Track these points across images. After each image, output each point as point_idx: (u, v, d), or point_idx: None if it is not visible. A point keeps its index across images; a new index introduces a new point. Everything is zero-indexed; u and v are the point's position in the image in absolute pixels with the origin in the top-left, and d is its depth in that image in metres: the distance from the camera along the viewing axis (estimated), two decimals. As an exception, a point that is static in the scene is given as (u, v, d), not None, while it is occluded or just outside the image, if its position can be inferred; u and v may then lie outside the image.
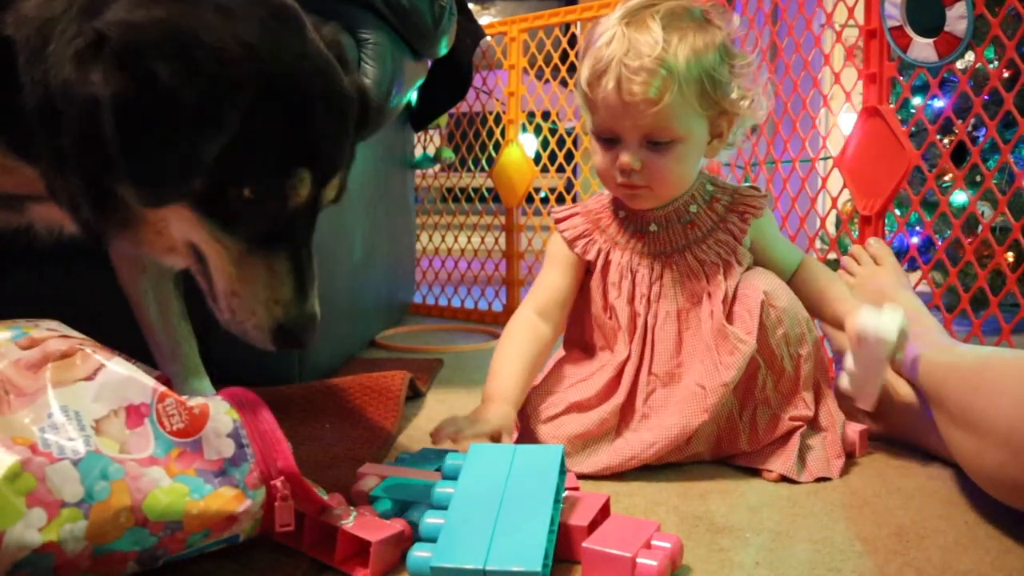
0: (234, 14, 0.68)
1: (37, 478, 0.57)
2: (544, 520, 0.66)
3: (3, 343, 0.65)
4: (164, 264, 0.95)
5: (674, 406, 0.93)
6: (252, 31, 0.68)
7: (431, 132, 2.17)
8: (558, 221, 1.05)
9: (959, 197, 1.67)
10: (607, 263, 1.00)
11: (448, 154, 2.12)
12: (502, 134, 2.00)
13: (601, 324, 1.01)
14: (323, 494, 0.70)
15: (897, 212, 1.40)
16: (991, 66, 1.42)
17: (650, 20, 0.90)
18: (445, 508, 0.70)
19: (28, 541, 0.56)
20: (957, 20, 1.18)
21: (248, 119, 0.67)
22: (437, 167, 2.19)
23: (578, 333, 1.06)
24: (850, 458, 0.97)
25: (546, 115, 2.01)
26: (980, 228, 1.33)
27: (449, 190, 2.21)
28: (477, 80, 2.00)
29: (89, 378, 0.64)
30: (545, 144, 1.96)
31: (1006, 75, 1.62)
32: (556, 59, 1.90)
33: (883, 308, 0.94)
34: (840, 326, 0.97)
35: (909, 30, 1.23)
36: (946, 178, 1.76)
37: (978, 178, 1.71)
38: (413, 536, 0.71)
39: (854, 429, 0.99)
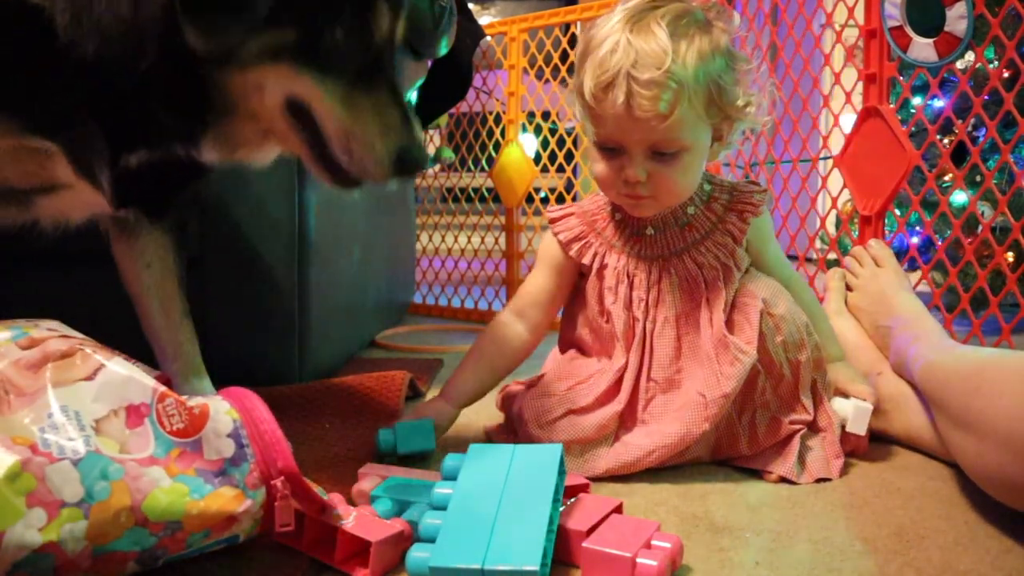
0: None
1: (37, 478, 0.57)
2: (542, 519, 0.66)
3: (3, 343, 0.65)
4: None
5: (674, 413, 0.92)
6: None
7: (431, 132, 2.17)
8: (552, 221, 1.04)
9: (959, 197, 1.67)
10: (603, 267, 0.99)
11: (448, 154, 2.12)
12: (502, 134, 2.00)
13: (597, 328, 1.00)
14: (323, 494, 0.70)
15: (897, 212, 1.40)
16: (991, 66, 1.42)
17: (655, 26, 0.88)
18: (444, 508, 0.70)
19: (28, 541, 0.56)
20: (957, 20, 1.18)
21: None
22: (437, 167, 2.19)
23: (574, 335, 1.05)
24: (850, 458, 0.97)
25: (546, 115, 2.01)
26: (980, 228, 1.33)
27: (449, 190, 2.21)
28: (477, 80, 2.00)
29: (89, 378, 0.64)
30: (545, 144, 1.96)
31: (1006, 75, 1.62)
32: (556, 59, 1.90)
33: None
34: None
35: (909, 30, 1.23)
36: (946, 178, 1.76)
37: (978, 178, 1.71)
38: (413, 536, 0.71)
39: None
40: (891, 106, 1.28)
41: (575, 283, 1.03)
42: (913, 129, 1.32)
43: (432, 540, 0.66)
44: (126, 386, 0.65)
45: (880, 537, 0.76)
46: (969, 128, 1.45)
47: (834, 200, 1.42)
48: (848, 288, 1.20)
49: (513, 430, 1.02)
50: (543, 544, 0.64)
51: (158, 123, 0.75)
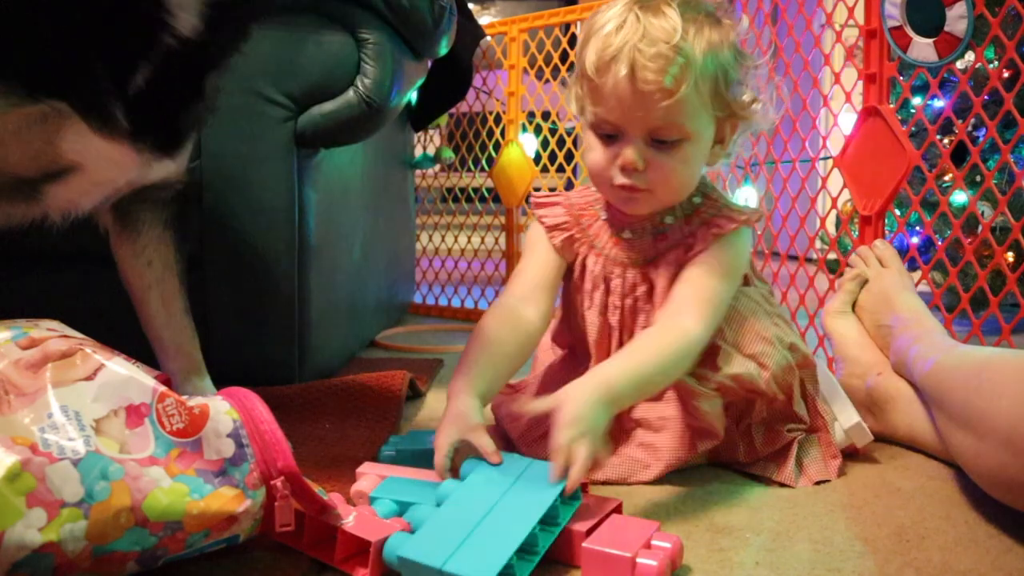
0: None
1: (37, 478, 0.57)
2: (518, 538, 0.65)
3: (3, 343, 0.65)
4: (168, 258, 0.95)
5: (667, 425, 0.92)
6: None
7: (431, 132, 2.17)
8: (538, 206, 0.99)
9: (959, 197, 1.67)
10: (583, 269, 0.96)
11: (448, 154, 2.12)
12: (502, 134, 2.00)
13: (578, 331, 0.98)
14: (323, 494, 0.70)
15: (897, 212, 1.40)
16: (991, 66, 1.42)
17: (664, 6, 0.84)
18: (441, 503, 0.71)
19: (28, 541, 0.56)
20: (957, 20, 1.18)
21: None
22: (437, 167, 2.19)
23: (566, 332, 1.02)
24: (850, 458, 0.97)
25: (546, 115, 2.01)
26: (980, 228, 1.33)
27: (449, 190, 2.21)
28: (477, 80, 2.00)
29: (89, 378, 0.64)
30: (545, 144, 1.96)
31: (1006, 75, 1.62)
32: (556, 59, 1.90)
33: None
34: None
35: (909, 30, 1.23)
36: (946, 178, 1.76)
37: (978, 178, 1.71)
38: None
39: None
40: (891, 106, 1.28)
41: (566, 269, 0.98)
42: (913, 129, 1.32)
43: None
44: (126, 386, 0.65)
45: (880, 537, 0.76)
46: (969, 128, 1.45)
47: (834, 200, 1.42)
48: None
49: (504, 435, 1.01)
50: (506, 561, 0.63)
51: (138, 19, 0.75)
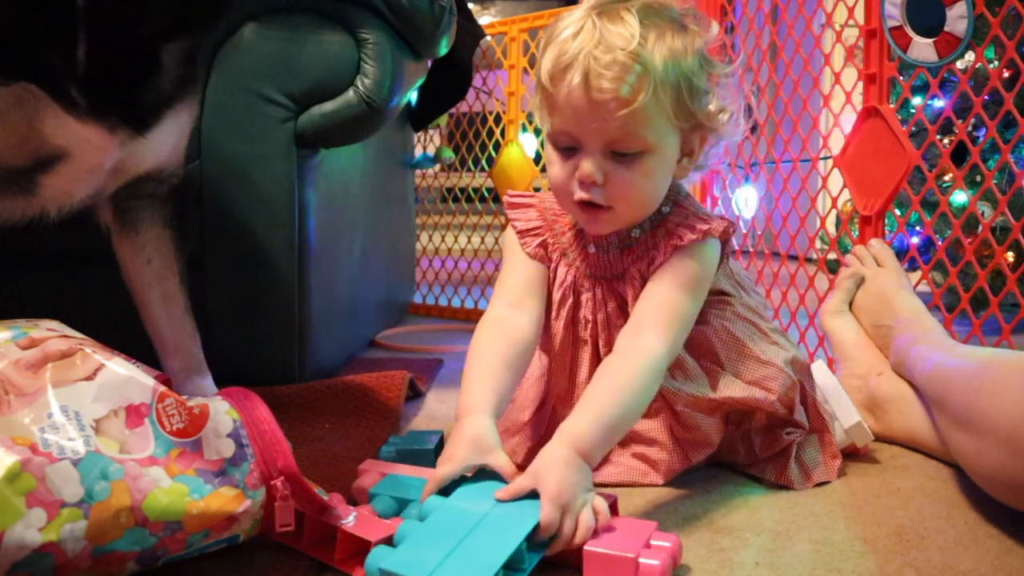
0: None
1: (37, 478, 0.57)
2: (500, 558, 0.63)
3: (3, 343, 0.65)
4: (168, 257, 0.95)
5: (660, 446, 0.91)
6: None
7: (431, 132, 2.17)
8: (511, 207, 0.95)
9: (959, 197, 1.67)
10: (554, 278, 0.92)
11: (448, 154, 2.12)
12: (502, 134, 2.00)
13: (548, 342, 0.95)
14: (323, 494, 0.70)
15: (897, 212, 1.40)
16: (991, 66, 1.42)
17: (624, 12, 0.79)
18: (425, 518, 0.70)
19: (28, 541, 0.56)
20: (957, 20, 1.18)
21: None
22: (437, 167, 2.19)
23: (546, 340, 0.96)
24: (850, 458, 0.97)
25: (546, 115, 2.01)
26: (980, 228, 1.33)
27: (449, 190, 2.21)
28: (477, 80, 2.00)
29: (89, 378, 0.64)
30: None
31: (1006, 75, 1.62)
32: (556, 59, 1.90)
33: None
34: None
35: (909, 30, 1.23)
36: (946, 178, 1.76)
37: (978, 178, 1.70)
38: None
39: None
40: (891, 106, 1.28)
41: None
42: (913, 129, 1.32)
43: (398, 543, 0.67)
44: (126, 386, 0.65)
45: (880, 537, 0.76)
46: (969, 128, 1.45)
47: (834, 200, 1.42)
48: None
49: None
50: None
51: None
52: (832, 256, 1.50)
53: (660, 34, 0.80)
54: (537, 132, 2.00)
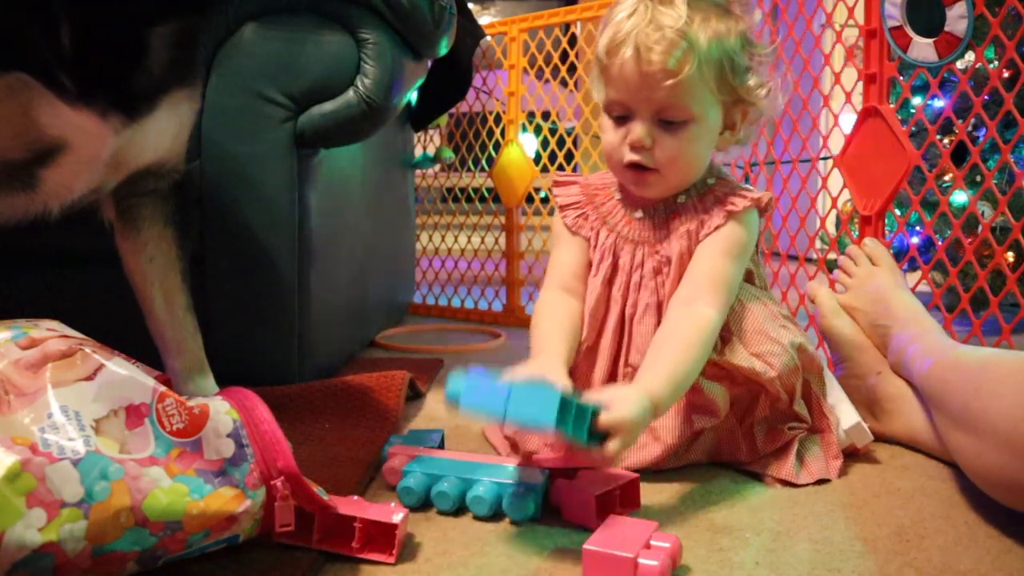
0: None
1: (37, 478, 0.57)
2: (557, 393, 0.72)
3: (3, 343, 0.65)
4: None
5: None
6: None
7: (431, 132, 2.17)
8: (556, 185, 1.04)
9: (959, 197, 1.67)
10: (596, 242, 0.99)
11: (448, 154, 2.12)
12: (502, 134, 2.00)
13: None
14: (323, 494, 0.70)
15: (897, 212, 1.40)
16: (991, 66, 1.42)
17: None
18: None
19: (28, 541, 0.56)
20: (957, 20, 1.18)
21: None
22: (437, 167, 2.19)
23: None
24: (850, 458, 0.97)
25: (546, 115, 2.01)
26: (980, 228, 1.33)
27: (449, 190, 2.21)
28: (477, 80, 2.00)
29: (89, 378, 0.64)
30: (545, 144, 1.96)
31: (1006, 75, 1.62)
32: (556, 59, 1.90)
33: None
34: None
35: (909, 30, 1.23)
36: (946, 178, 1.76)
37: (978, 178, 1.71)
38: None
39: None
40: (891, 106, 1.28)
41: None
42: (913, 129, 1.32)
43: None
44: (126, 386, 0.65)
45: (880, 537, 0.76)
46: (969, 128, 1.45)
47: (834, 200, 1.42)
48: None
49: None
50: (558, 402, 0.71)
51: None
52: (832, 256, 1.50)
53: (705, 17, 0.89)
54: (537, 132, 2.00)
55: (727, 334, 0.94)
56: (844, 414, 0.97)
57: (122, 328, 0.94)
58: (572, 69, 1.93)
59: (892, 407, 1.03)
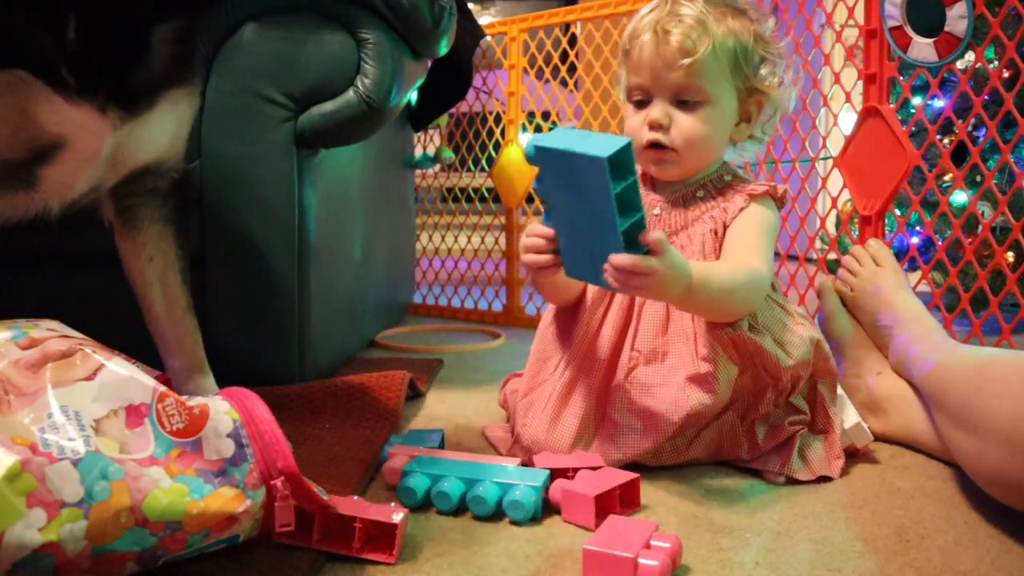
0: None
1: (37, 478, 0.57)
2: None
3: (3, 343, 0.65)
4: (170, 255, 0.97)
5: (660, 390, 0.92)
6: None
7: (431, 132, 2.17)
8: None
9: (959, 197, 1.67)
10: None
11: (448, 154, 2.12)
12: (502, 134, 2.00)
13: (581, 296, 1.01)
14: (323, 494, 0.70)
15: (897, 212, 1.40)
16: (991, 66, 1.42)
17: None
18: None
19: (28, 541, 0.56)
20: (957, 20, 1.18)
21: None
22: (437, 167, 2.19)
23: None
24: (850, 458, 0.97)
25: (546, 115, 2.01)
26: (980, 228, 1.33)
27: (449, 190, 2.21)
28: (477, 80, 2.00)
29: (89, 378, 0.64)
30: (545, 144, 1.95)
31: (1006, 75, 1.62)
32: (556, 59, 1.90)
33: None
34: None
35: (909, 30, 1.23)
36: (946, 178, 1.76)
37: (978, 178, 1.71)
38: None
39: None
40: (891, 106, 1.28)
41: None
42: (913, 129, 1.32)
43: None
44: (126, 386, 0.65)
45: (880, 537, 0.76)
46: (969, 128, 1.45)
47: (834, 200, 1.42)
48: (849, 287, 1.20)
49: (511, 428, 1.02)
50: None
51: None
52: (832, 256, 1.50)
53: (721, 14, 0.95)
54: (537, 132, 2.00)
55: (755, 323, 0.94)
56: (844, 414, 0.97)
57: (122, 328, 0.94)
58: (572, 69, 1.93)
59: (892, 407, 1.03)
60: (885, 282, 1.13)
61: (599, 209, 0.78)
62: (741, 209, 0.96)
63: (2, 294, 1.20)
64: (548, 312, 1.06)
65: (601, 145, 0.76)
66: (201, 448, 0.65)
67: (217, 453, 0.65)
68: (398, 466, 0.87)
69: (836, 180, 1.38)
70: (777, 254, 1.50)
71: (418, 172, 2.18)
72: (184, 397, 0.67)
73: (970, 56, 1.49)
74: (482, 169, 2.09)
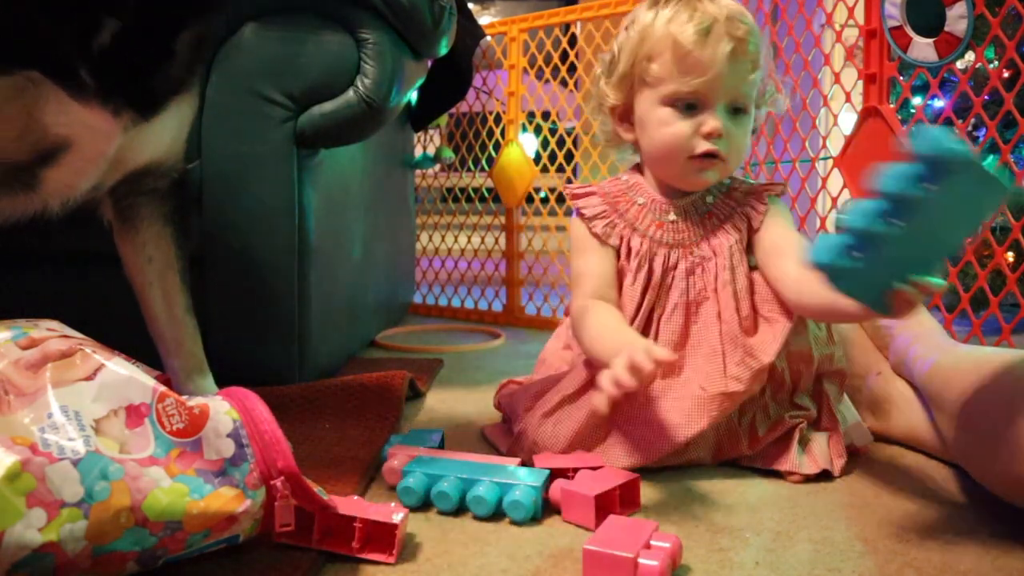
0: None
1: (37, 478, 0.57)
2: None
3: (3, 343, 0.65)
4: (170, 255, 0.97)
5: (673, 402, 0.92)
6: None
7: (431, 132, 2.17)
8: (575, 198, 1.02)
9: (959, 197, 1.67)
10: (628, 250, 0.98)
11: (448, 154, 2.12)
12: (502, 134, 2.00)
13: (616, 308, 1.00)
14: (323, 494, 0.70)
15: (897, 212, 1.40)
16: (991, 66, 1.42)
17: None
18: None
19: (28, 541, 0.56)
20: (957, 20, 1.18)
21: None
22: (437, 167, 2.19)
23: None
24: (851, 458, 0.97)
25: (546, 115, 2.01)
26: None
27: (449, 190, 2.21)
28: (477, 80, 2.00)
29: (89, 378, 0.64)
30: (545, 144, 1.96)
31: (1006, 75, 1.62)
32: (556, 59, 1.90)
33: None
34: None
35: (909, 30, 1.23)
36: (946, 178, 1.76)
37: (978, 178, 1.70)
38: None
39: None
40: (891, 106, 1.28)
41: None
42: (913, 129, 1.32)
43: None
44: (126, 386, 0.65)
45: (880, 537, 0.76)
46: (969, 128, 1.45)
47: (834, 200, 1.42)
48: None
49: (510, 430, 1.02)
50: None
51: None
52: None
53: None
54: (537, 132, 2.00)
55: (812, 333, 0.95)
56: (844, 413, 0.98)
57: (122, 328, 0.94)
58: (572, 69, 1.93)
59: (892, 407, 1.03)
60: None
61: (951, 229, 0.70)
62: (763, 212, 0.96)
63: (2, 294, 1.20)
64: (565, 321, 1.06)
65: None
66: (201, 448, 0.65)
67: (217, 453, 0.65)
68: (398, 466, 0.87)
69: (836, 180, 1.38)
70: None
71: (418, 172, 2.18)
72: (184, 397, 0.67)
73: (970, 56, 1.49)
74: (482, 169, 2.09)
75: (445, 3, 1.31)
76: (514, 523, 0.80)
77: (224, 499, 0.64)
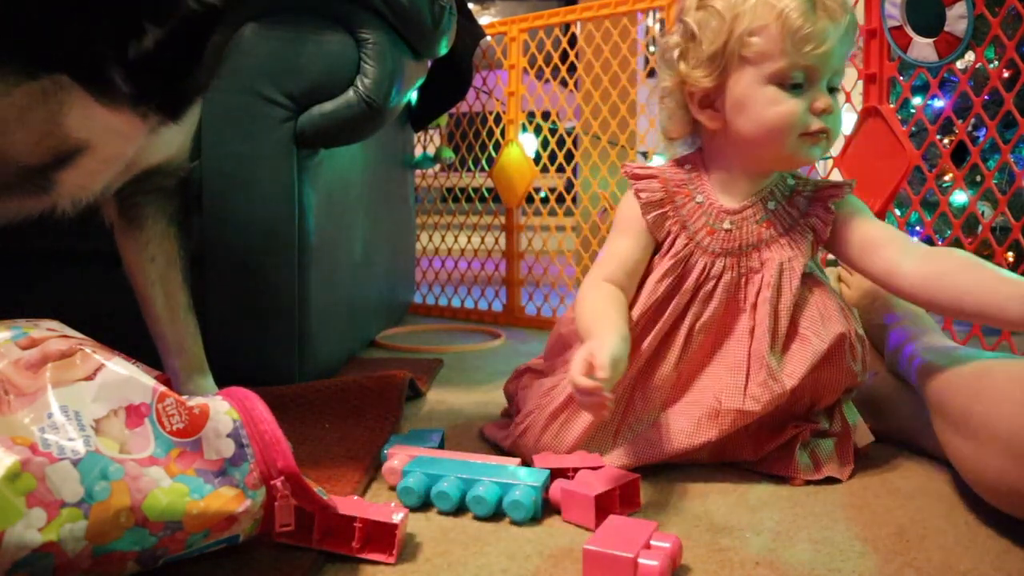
0: None
1: (37, 478, 0.57)
2: None
3: (3, 343, 0.65)
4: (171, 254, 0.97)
5: (687, 408, 0.92)
6: None
7: (431, 132, 2.17)
8: (635, 178, 0.97)
9: (959, 197, 1.67)
10: (670, 247, 0.94)
11: (448, 154, 2.12)
12: (502, 134, 2.00)
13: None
14: (323, 494, 0.70)
15: (897, 212, 1.40)
16: (991, 66, 1.42)
17: None
18: None
19: (28, 541, 0.56)
20: (957, 20, 1.18)
21: None
22: (437, 167, 2.19)
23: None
24: (850, 458, 0.97)
25: (546, 115, 2.01)
26: (980, 228, 1.33)
27: (449, 190, 2.21)
28: (477, 80, 2.00)
29: (89, 378, 0.64)
30: (545, 144, 1.96)
31: (1006, 75, 1.62)
32: (556, 59, 1.90)
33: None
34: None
35: (909, 30, 1.23)
36: (946, 178, 1.76)
37: (978, 178, 1.71)
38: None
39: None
40: (891, 106, 1.28)
41: (651, 250, 0.96)
42: (913, 129, 1.32)
43: None
44: (126, 386, 0.65)
45: (880, 537, 0.76)
46: (969, 128, 1.45)
47: (834, 200, 1.42)
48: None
49: (509, 422, 1.02)
50: None
51: None
52: (832, 256, 1.50)
53: None
54: (537, 132, 2.00)
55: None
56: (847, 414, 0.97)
57: (123, 328, 0.94)
58: (572, 69, 1.93)
59: (890, 406, 1.03)
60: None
61: None
62: (831, 220, 0.93)
63: (2, 294, 1.20)
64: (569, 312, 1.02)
65: None
66: (201, 448, 0.65)
67: (217, 453, 0.65)
68: (398, 466, 0.87)
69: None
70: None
71: (418, 172, 2.18)
72: (184, 397, 0.67)
73: (970, 56, 1.49)
74: (482, 169, 2.09)
75: (445, 3, 1.31)
76: (514, 523, 0.80)
77: (224, 499, 0.64)
